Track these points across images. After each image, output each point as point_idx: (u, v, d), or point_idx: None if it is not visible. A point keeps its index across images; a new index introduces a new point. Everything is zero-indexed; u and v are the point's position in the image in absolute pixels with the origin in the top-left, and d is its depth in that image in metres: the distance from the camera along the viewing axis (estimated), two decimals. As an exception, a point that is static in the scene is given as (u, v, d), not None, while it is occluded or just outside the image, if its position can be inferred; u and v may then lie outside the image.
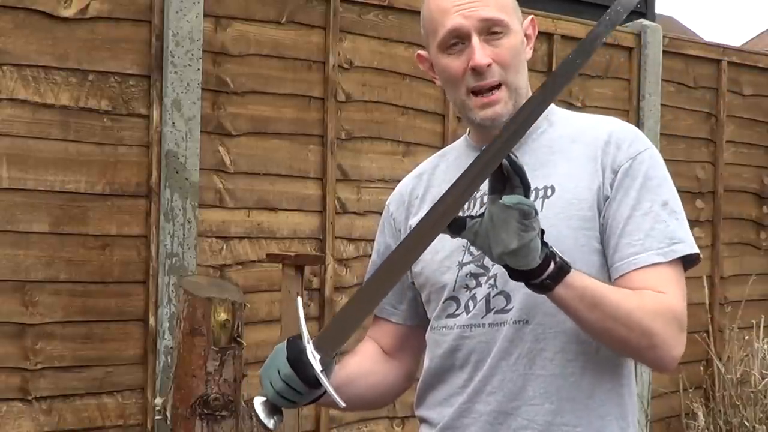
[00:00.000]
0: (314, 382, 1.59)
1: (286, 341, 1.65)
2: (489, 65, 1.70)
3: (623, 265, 1.67)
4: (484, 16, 1.70)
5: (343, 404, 1.60)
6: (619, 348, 1.67)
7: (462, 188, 1.52)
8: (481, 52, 1.69)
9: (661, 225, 1.68)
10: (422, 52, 1.82)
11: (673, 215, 1.71)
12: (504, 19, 1.71)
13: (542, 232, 1.53)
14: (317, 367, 1.58)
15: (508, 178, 1.50)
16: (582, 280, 1.58)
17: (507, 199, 1.48)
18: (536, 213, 1.49)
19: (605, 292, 1.61)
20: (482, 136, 1.80)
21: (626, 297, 1.62)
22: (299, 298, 1.76)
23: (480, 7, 1.70)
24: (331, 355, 1.62)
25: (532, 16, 1.84)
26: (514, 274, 1.55)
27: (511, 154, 1.50)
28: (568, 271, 1.55)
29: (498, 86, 1.71)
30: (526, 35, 1.79)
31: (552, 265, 1.54)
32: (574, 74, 1.56)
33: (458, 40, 1.71)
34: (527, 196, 1.50)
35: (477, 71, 1.70)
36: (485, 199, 1.70)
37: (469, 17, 1.70)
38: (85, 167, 3.57)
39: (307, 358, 1.59)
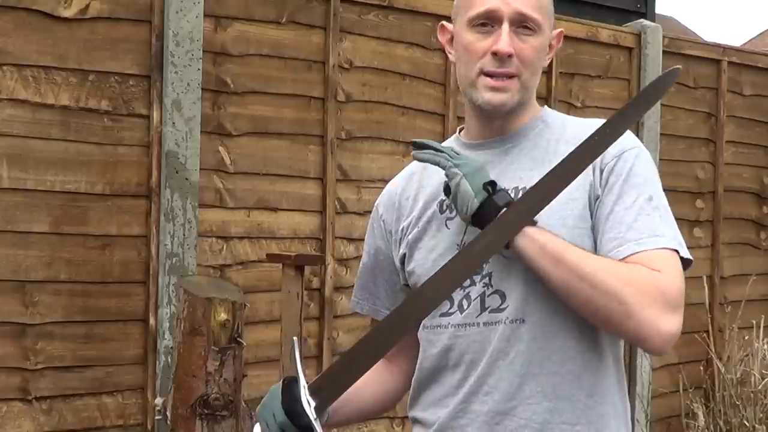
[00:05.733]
0: (309, 429, 1.61)
1: (281, 384, 1.66)
2: (511, 56, 1.71)
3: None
4: (522, 10, 1.72)
5: None
6: (591, 314, 1.63)
7: (485, 245, 1.56)
8: (507, 40, 1.71)
9: (644, 218, 1.66)
10: (446, 24, 1.83)
11: (657, 210, 1.69)
12: (539, 19, 1.74)
13: (492, 184, 1.63)
14: (311, 415, 1.60)
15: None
16: (547, 234, 1.60)
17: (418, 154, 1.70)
18: (451, 163, 1.65)
19: (573, 249, 1.60)
20: (478, 125, 1.80)
21: (598, 259, 1.62)
22: (295, 339, 1.76)
23: (521, 0, 1.72)
24: (328, 403, 1.63)
25: (561, 29, 1.85)
26: (474, 220, 1.64)
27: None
28: (528, 222, 1.59)
29: (512, 76, 1.72)
30: (549, 45, 1.80)
31: (508, 210, 1.60)
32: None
33: (489, 21, 1.73)
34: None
35: (498, 57, 1.71)
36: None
37: (508, 4, 1.71)
38: (85, 167, 3.57)
39: (302, 407, 1.61)
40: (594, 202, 1.70)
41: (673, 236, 1.67)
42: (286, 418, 1.62)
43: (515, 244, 1.60)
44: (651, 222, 1.66)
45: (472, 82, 1.75)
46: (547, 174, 1.57)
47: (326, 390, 1.62)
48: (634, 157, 1.72)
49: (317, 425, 1.59)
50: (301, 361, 1.66)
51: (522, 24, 1.72)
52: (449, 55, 1.83)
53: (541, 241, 1.59)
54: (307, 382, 1.64)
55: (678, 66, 1.66)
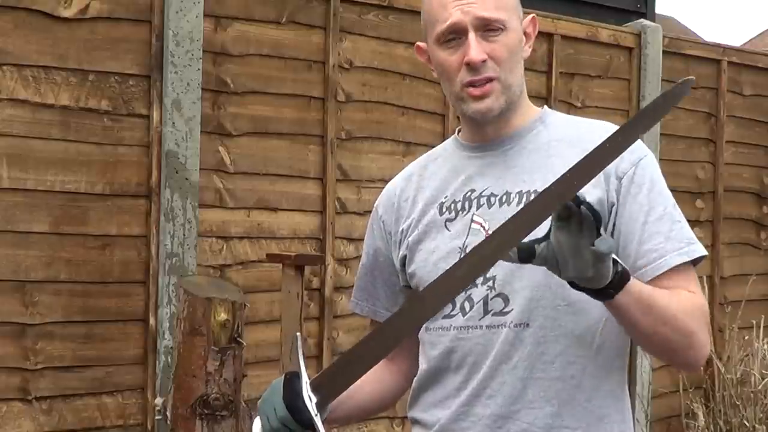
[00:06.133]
0: (310, 425, 1.61)
1: (283, 379, 1.66)
2: (483, 61, 1.70)
3: (649, 270, 1.67)
4: (482, 14, 1.70)
5: None
6: (659, 350, 1.70)
7: (499, 241, 1.49)
8: (476, 48, 1.70)
9: (677, 226, 1.70)
10: (421, 44, 1.83)
11: (682, 216, 1.73)
12: (502, 17, 1.72)
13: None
14: (313, 411, 1.60)
15: (583, 219, 1.44)
16: (637, 284, 1.58)
17: (601, 245, 1.43)
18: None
19: (655, 295, 1.61)
20: (473, 131, 1.80)
21: (671, 299, 1.63)
22: (298, 334, 1.75)
23: (479, 4, 1.70)
24: (329, 400, 1.63)
25: (533, 15, 1.83)
26: (577, 287, 1.53)
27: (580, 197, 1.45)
28: (629, 279, 1.54)
29: (491, 80, 1.72)
30: (525, 33, 1.79)
31: (614, 275, 1.52)
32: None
33: (455, 35, 1.72)
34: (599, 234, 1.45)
35: (471, 66, 1.70)
36: (479, 200, 1.71)
37: (467, 13, 1.70)
38: (85, 167, 3.57)
39: (303, 402, 1.60)
40: (608, 208, 1.70)
41: (695, 238, 1.72)
42: (287, 413, 1.61)
43: (615, 300, 1.54)
44: (683, 229, 1.71)
45: (458, 96, 1.75)
46: (552, 183, 1.52)
47: (327, 387, 1.62)
48: (650, 164, 1.73)
49: (318, 421, 1.59)
50: (302, 356, 1.66)
51: (487, 27, 1.71)
52: (433, 74, 1.82)
53: (636, 292, 1.57)
54: (309, 378, 1.64)
55: (692, 77, 1.63)
